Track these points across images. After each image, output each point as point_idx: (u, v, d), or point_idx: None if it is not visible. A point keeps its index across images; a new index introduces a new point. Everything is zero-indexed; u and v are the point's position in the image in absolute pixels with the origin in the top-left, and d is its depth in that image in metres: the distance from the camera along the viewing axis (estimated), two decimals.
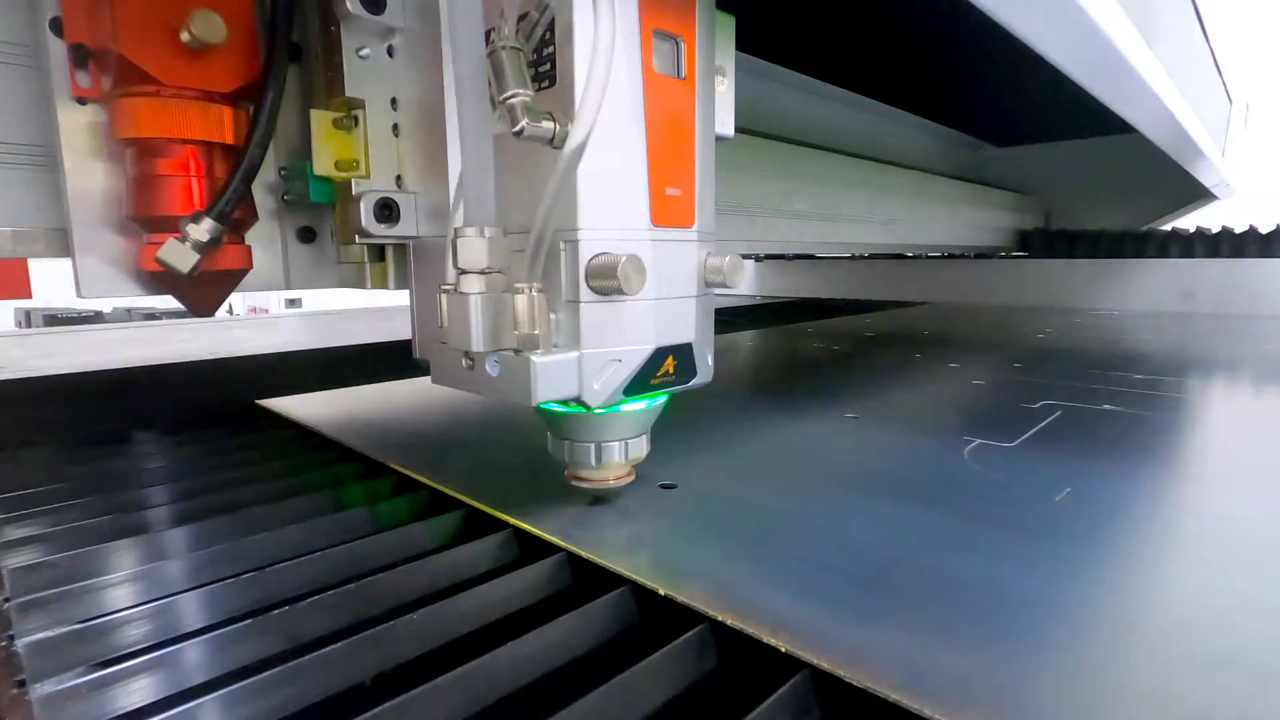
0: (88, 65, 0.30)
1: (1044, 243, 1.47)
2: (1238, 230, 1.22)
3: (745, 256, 1.59)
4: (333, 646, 0.20)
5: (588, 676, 0.19)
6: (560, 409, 0.29)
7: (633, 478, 0.32)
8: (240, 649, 0.21)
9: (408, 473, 0.35)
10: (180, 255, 0.28)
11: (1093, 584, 0.23)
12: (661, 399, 0.31)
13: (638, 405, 0.29)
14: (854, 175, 1.05)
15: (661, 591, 0.23)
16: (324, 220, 0.38)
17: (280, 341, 0.92)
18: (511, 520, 0.29)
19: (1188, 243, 1.25)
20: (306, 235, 0.37)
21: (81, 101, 0.30)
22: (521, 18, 0.24)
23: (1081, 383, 0.57)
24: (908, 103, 1.21)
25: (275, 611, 0.22)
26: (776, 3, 0.71)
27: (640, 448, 0.31)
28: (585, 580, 0.26)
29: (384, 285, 0.36)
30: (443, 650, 0.22)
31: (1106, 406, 0.48)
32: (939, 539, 0.27)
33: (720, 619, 0.21)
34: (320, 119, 0.31)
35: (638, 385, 0.27)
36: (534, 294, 0.24)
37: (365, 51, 0.31)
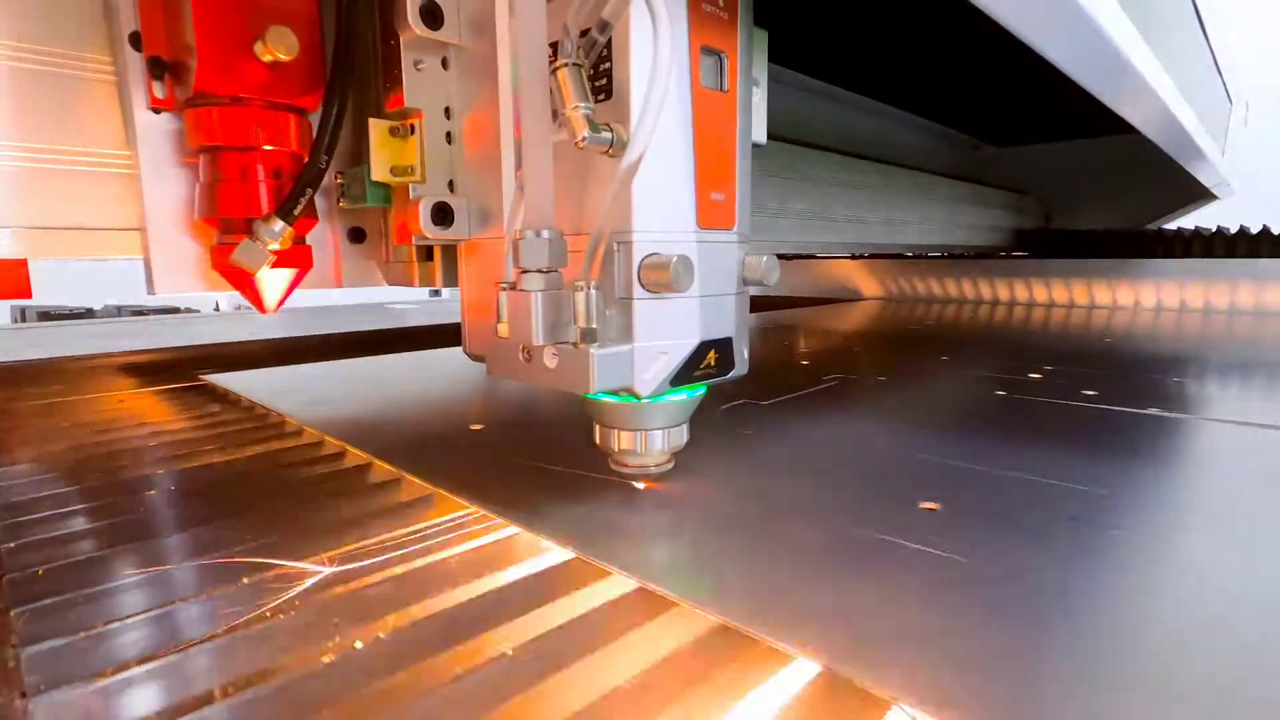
0: (164, 77, 0.31)
1: (1044, 243, 1.49)
2: (1243, 231, 1.22)
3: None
4: None
5: None
6: (608, 398, 0.31)
7: (672, 465, 0.34)
8: None
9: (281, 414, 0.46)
10: (254, 255, 0.30)
11: None
12: (701, 390, 0.33)
13: (679, 395, 0.31)
14: (854, 175, 1.07)
15: None
16: (373, 222, 0.40)
17: (250, 332, 1.04)
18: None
19: (1188, 243, 1.27)
20: (356, 236, 0.39)
21: (157, 111, 0.32)
22: (583, 34, 0.26)
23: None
24: (908, 103, 1.23)
25: None
26: (777, 3, 0.73)
27: (681, 436, 0.33)
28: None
29: (431, 283, 0.38)
30: None
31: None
32: None
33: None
34: (378, 127, 0.33)
35: (683, 376, 0.29)
36: (592, 291, 0.26)
37: (422, 64, 0.33)
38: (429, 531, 0.29)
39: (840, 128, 1.12)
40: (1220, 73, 0.94)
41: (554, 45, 0.26)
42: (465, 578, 0.25)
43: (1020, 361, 0.69)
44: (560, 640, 0.21)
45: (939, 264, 1.51)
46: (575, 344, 0.27)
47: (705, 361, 0.30)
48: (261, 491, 0.32)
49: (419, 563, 0.26)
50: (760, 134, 0.34)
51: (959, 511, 0.30)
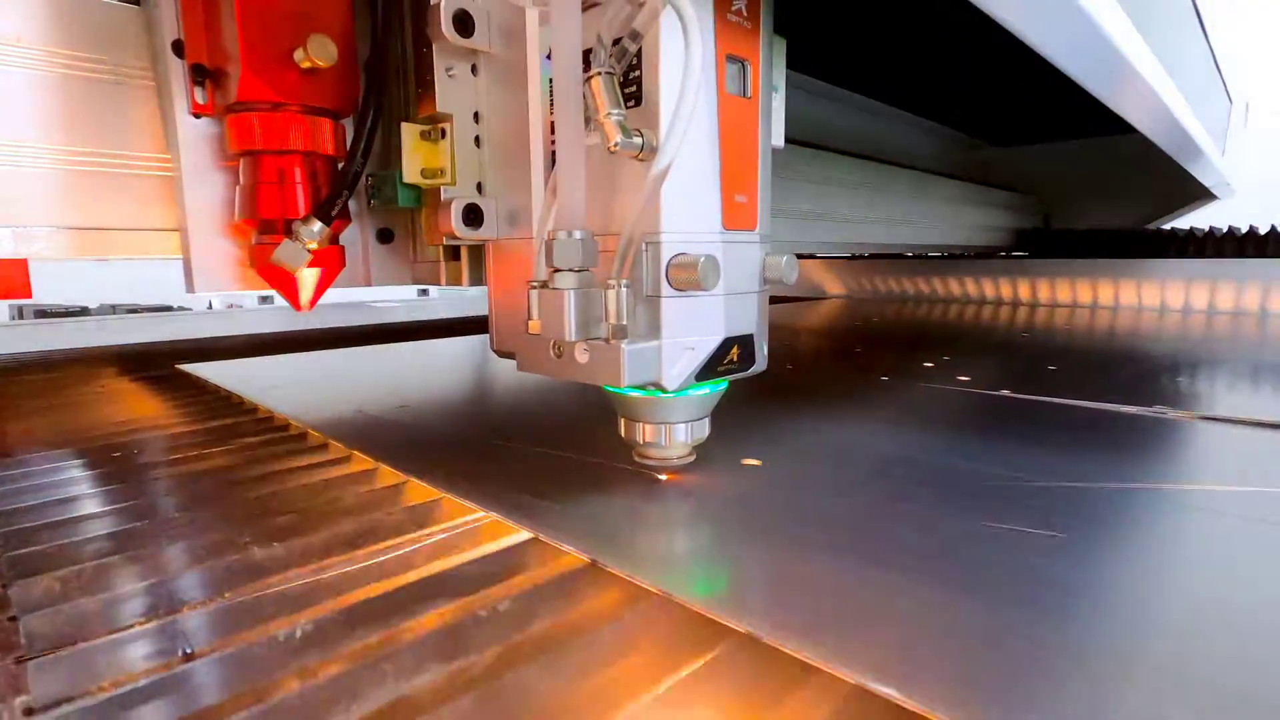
0: (205, 83, 0.33)
1: (1044, 242, 1.50)
2: (1253, 231, 1.23)
3: None
4: None
5: None
6: (633, 393, 0.32)
7: (693, 458, 0.35)
8: None
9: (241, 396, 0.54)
10: (294, 254, 0.31)
11: None
12: (723, 385, 0.34)
13: (702, 390, 0.33)
14: (854, 175, 1.08)
15: None
16: (402, 223, 0.41)
17: (239, 328, 1.13)
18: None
19: (1186, 243, 1.29)
20: (385, 236, 0.40)
21: (197, 116, 0.33)
22: (615, 42, 0.28)
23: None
24: (908, 103, 1.24)
25: None
26: (778, 3, 0.74)
27: (703, 429, 0.34)
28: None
29: (458, 282, 0.39)
30: None
31: None
32: None
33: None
34: (410, 131, 0.35)
35: (707, 371, 0.31)
36: (623, 289, 0.27)
37: (453, 71, 0.34)
38: (337, 479, 0.36)
39: (841, 128, 1.13)
40: (1220, 73, 0.96)
41: (586, 53, 0.28)
42: (345, 518, 0.30)
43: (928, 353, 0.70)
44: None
45: (906, 263, 1.53)
46: (606, 340, 0.28)
47: (728, 357, 0.31)
48: (213, 453, 0.40)
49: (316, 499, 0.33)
50: (779, 138, 0.35)
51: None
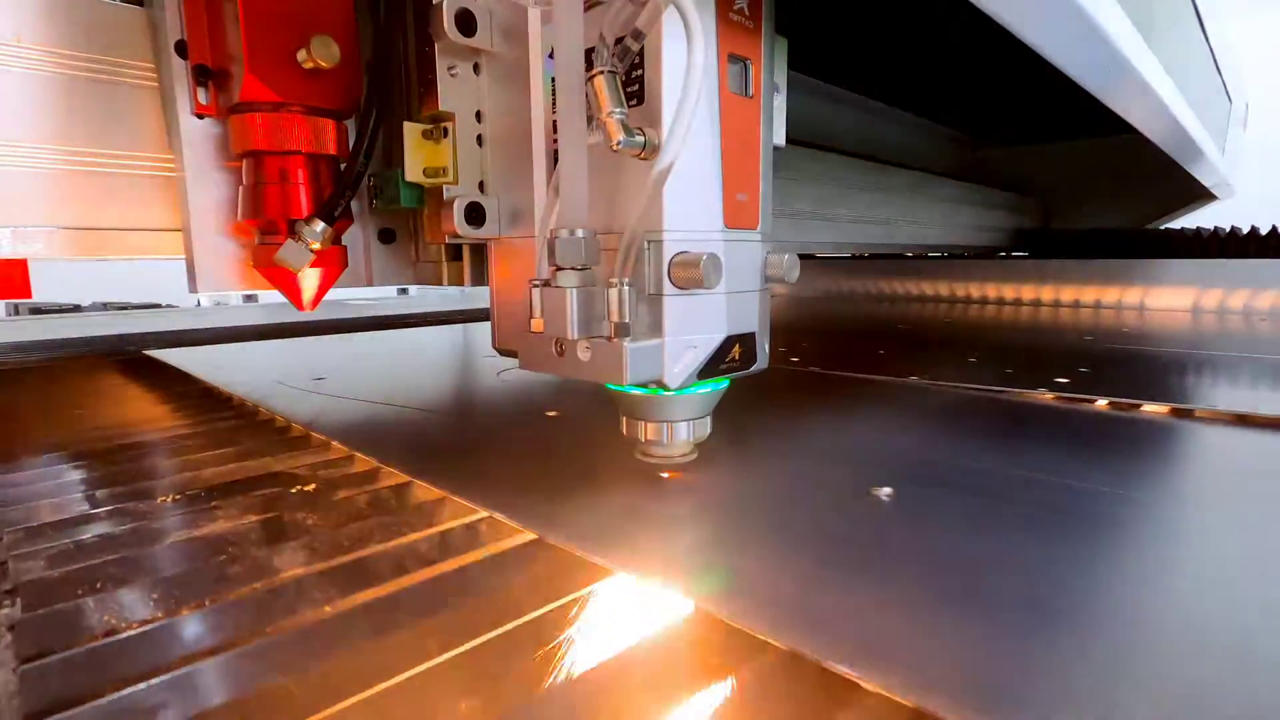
0: (208, 84, 0.33)
1: (1044, 242, 1.50)
2: (1254, 232, 1.23)
3: None
4: None
5: None
6: (636, 391, 0.32)
7: (695, 455, 0.35)
8: None
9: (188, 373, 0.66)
10: (297, 254, 0.31)
11: None
12: (724, 384, 0.34)
13: (704, 388, 0.33)
14: (854, 175, 1.08)
15: None
16: (403, 223, 0.41)
17: (222, 321, 1.24)
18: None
19: (1188, 243, 1.29)
20: (387, 237, 0.41)
21: (200, 117, 0.33)
22: (618, 41, 0.28)
23: None
24: (908, 103, 1.24)
25: None
26: (779, 3, 0.74)
27: (704, 428, 0.34)
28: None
29: (460, 283, 0.40)
30: None
31: None
32: None
33: None
34: (412, 130, 0.35)
35: (709, 369, 0.31)
36: (625, 287, 0.28)
37: (455, 70, 0.34)
38: (239, 427, 0.45)
39: (841, 128, 1.13)
40: (1220, 73, 0.96)
41: (589, 52, 0.28)
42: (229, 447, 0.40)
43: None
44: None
45: (905, 263, 1.53)
46: (609, 338, 0.28)
47: (730, 355, 0.32)
48: (158, 412, 0.51)
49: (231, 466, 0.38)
50: (780, 137, 0.35)
51: None
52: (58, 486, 0.34)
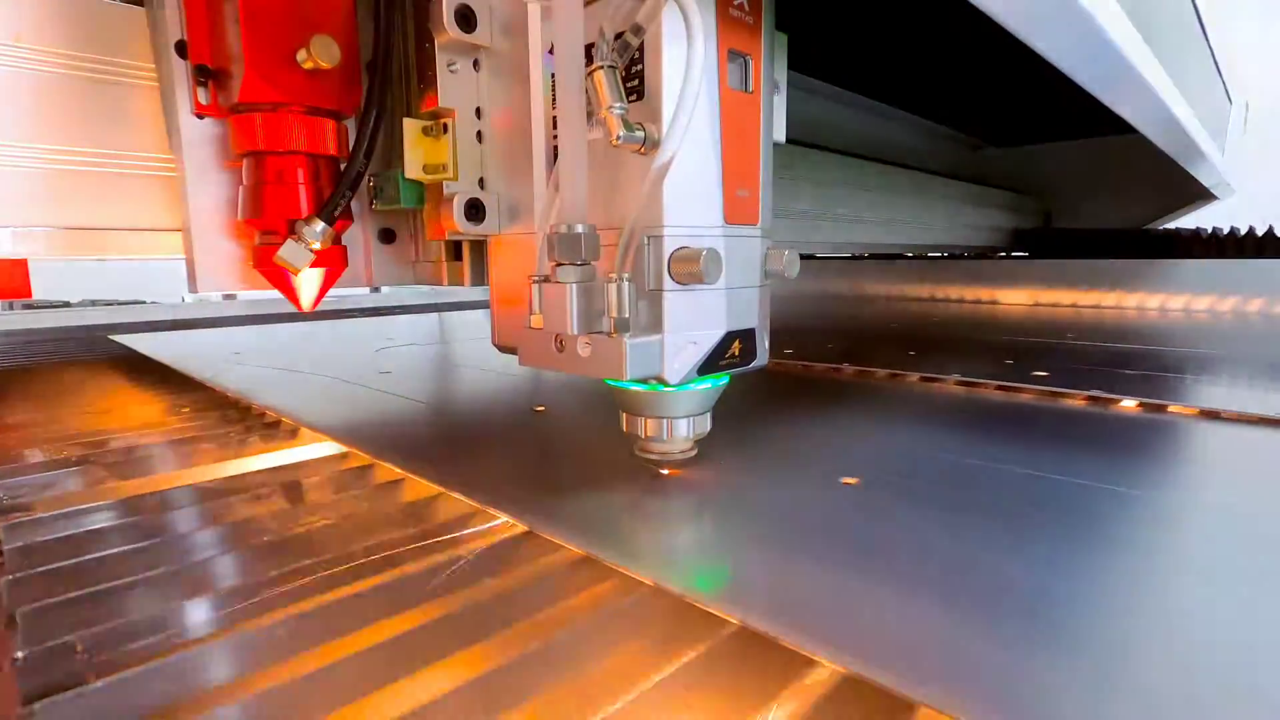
0: (208, 84, 0.33)
1: (1044, 242, 1.50)
2: (1251, 233, 1.23)
3: None
4: None
5: None
6: (636, 387, 0.32)
7: (695, 452, 0.35)
8: None
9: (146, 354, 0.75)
10: (297, 254, 0.31)
11: None
12: (724, 380, 0.34)
13: (703, 385, 0.33)
14: (854, 175, 1.08)
15: None
16: (403, 223, 0.41)
17: (202, 314, 1.35)
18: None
19: (1188, 243, 1.28)
20: (387, 237, 0.41)
21: (200, 117, 0.33)
22: (618, 36, 0.28)
23: None
24: (908, 103, 1.24)
25: None
26: (779, 3, 0.74)
27: (704, 424, 0.34)
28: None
29: (460, 282, 0.39)
30: None
31: None
32: None
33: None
34: (411, 127, 0.35)
35: (709, 365, 0.31)
36: (625, 283, 0.27)
37: (455, 66, 0.34)
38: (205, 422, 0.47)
39: (841, 128, 1.13)
40: (1220, 73, 0.96)
41: (588, 47, 0.28)
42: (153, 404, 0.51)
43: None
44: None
45: (906, 263, 1.53)
46: (609, 334, 0.28)
47: (730, 351, 0.31)
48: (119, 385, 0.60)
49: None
50: (780, 133, 0.35)
51: None
52: None
